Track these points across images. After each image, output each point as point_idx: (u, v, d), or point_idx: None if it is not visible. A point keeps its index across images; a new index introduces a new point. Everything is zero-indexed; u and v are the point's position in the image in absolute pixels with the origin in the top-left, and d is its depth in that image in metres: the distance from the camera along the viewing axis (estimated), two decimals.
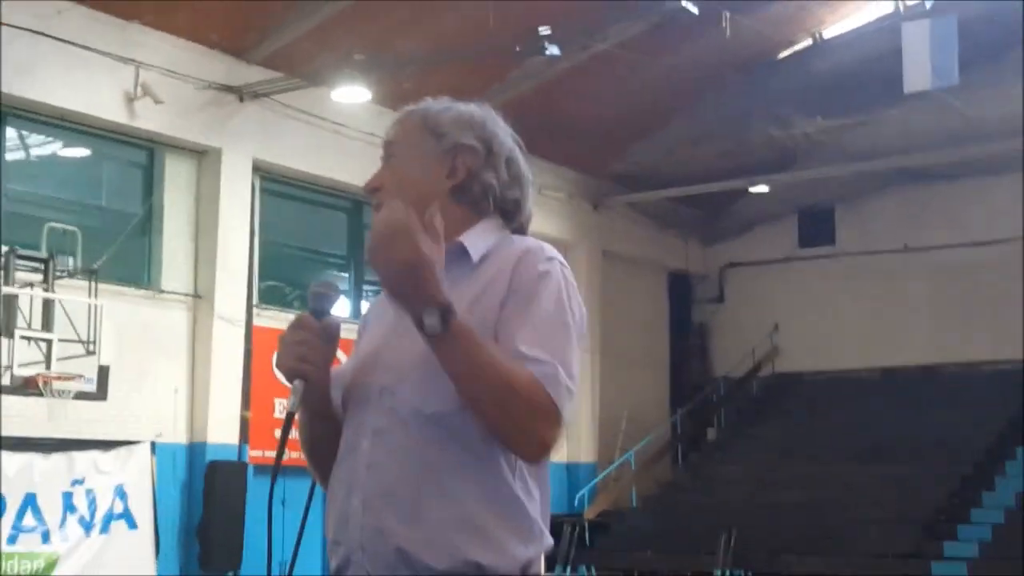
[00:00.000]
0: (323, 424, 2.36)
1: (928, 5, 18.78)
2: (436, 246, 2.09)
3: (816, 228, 26.46)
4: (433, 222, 2.12)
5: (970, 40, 18.18)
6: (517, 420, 2.16)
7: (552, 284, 2.26)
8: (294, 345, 2.24)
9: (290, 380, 2.22)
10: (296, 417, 2.28)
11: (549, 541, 2.27)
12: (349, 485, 2.26)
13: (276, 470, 2.27)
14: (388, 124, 2.52)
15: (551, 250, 2.34)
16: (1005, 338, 23.94)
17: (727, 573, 20.05)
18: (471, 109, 2.45)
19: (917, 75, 17.85)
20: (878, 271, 25.58)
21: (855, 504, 20.92)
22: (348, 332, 2.53)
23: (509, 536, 2.21)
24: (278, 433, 2.30)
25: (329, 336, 2.28)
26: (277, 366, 2.29)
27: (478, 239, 2.34)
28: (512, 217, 2.41)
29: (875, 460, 22.00)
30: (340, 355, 2.34)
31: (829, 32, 22.29)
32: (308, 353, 2.23)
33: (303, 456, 2.46)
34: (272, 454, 17.24)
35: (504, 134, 2.43)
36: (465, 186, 2.38)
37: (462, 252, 2.31)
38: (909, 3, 20.15)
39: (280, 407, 17.55)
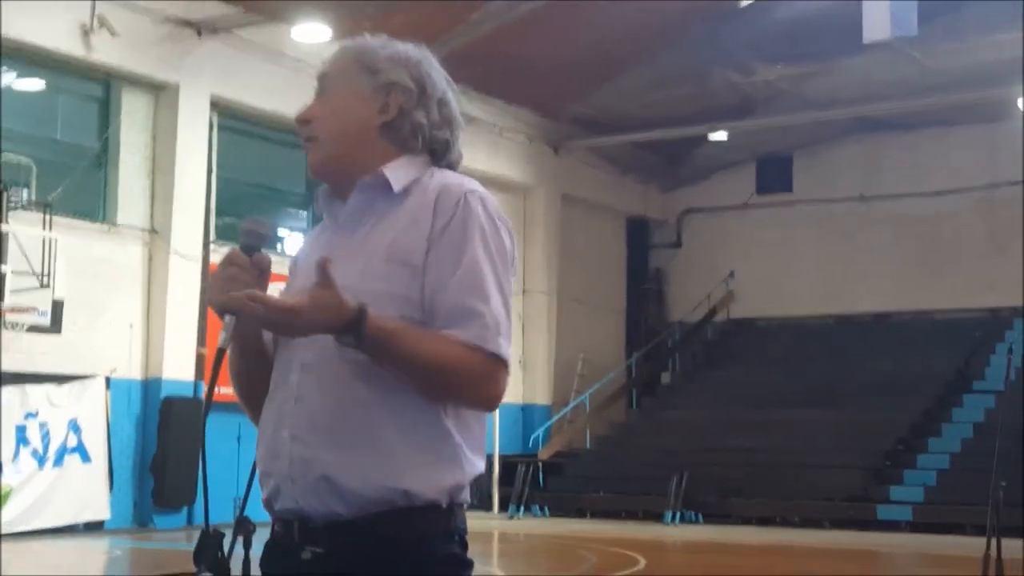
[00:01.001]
0: (255, 360, 2.36)
1: None
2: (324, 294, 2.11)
3: (774, 175, 26.55)
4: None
5: None
6: (459, 391, 2.21)
7: (474, 224, 2.23)
8: (225, 280, 2.22)
9: (221, 315, 2.20)
10: (222, 353, 2.24)
11: (478, 467, 2.29)
12: (278, 418, 2.27)
13: (208, 405, 2.30)
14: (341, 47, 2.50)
15: (470, 183, 2.31)
16: (960, 288, 24.22)
17: (677, 515, 20.24)
18: (407, 48, 2.43)
19: (877, 25, 17.88)
20: (835, 219, 25.75)
21: (805, 448, 21.16)
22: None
23: (435, 463, 2.23)
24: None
25: (260, 272, 2.27)
26: (208, 301, 2.29)
27: (400, 170, 2.33)
28: (441, 157, 2.40)
29: (826, 405, 22.19)
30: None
31: None
32: (237, 288, 2.19)
33: (234, 392, 2.46)
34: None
35: (438, 76, 2.43)
36: (395, 124, 2.36)
37: (384, 183, 2.32)
38: None
39: None
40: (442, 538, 2.24)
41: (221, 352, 2.22)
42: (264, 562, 2.31)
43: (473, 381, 2.19)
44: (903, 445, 21.47)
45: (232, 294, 2.13)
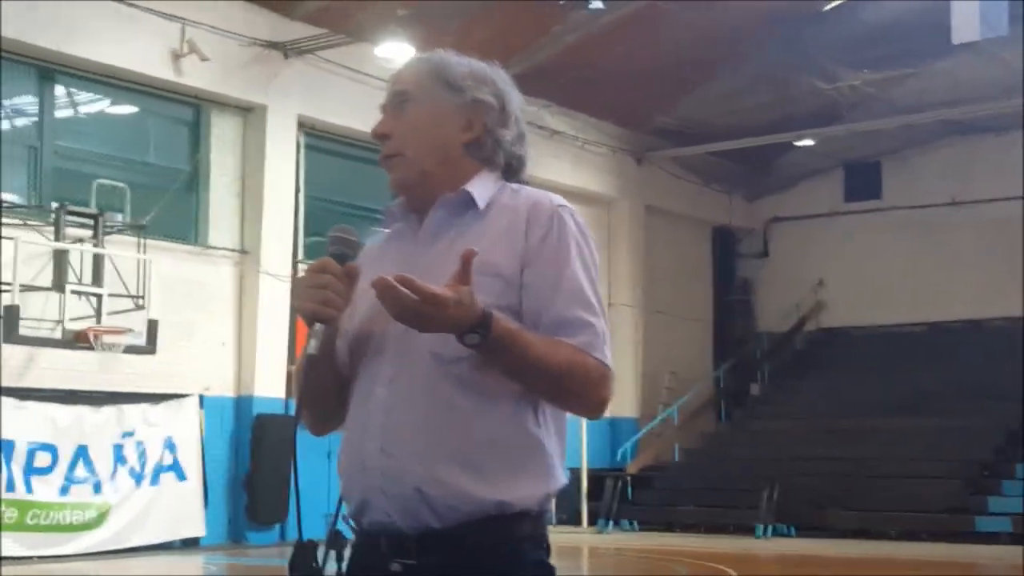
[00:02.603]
0: (328, 373, 2.33)
1: None
2: (437, 303, 2.05)
3: (862, 182, 26.30)
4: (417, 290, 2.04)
5: None
6: (572, 396, 2.22)
7: (571, 238, 2.26)
8: (316, 289, 2.21)
9: (310, 324, 2.20)
10: (313, 361, 2.24)
11: (564, 478, 2.30)
12: (363, 431, 2.26)
13: (297, 416, 2.30)
14: (405, 65, 2.49)
15: (557, 198, 2.31)
16: None
17: (769, 528, 20.08)
18: (484, 65, 2.45)
19: (966, 26, 17.65)
20: (925, 225, 25.41)
21: (899, 459, 20.90)
22: None
23: (527, 473, 2.24)
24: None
25: (351, 280, 2.25)
26: (297, 310, 2.25)
27: (482, 187, 2.34)
28: (516, 172, 2.42)
29: (919, 414, 21.92)
30: None
31: None
32: (330, 297, 2.20)
33: (301, 399, 2.41)
34: None
35: (514, 92, 2.45)
36: (479, 142, 2.38)
37: (468, 199, 2.33)
38: None
39: None
40: (531, 545, 2.26)
41: (312, 360, 2.22)
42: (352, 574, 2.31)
43: (589, 384, 2.21)
44: (1000, 454, 21.13)
45: (385, 279, 2.03)
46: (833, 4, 21.93)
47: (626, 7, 19.18)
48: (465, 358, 2.17)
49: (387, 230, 2.49)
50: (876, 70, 21.92)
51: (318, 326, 2.19)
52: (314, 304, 2.20)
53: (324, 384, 2.35)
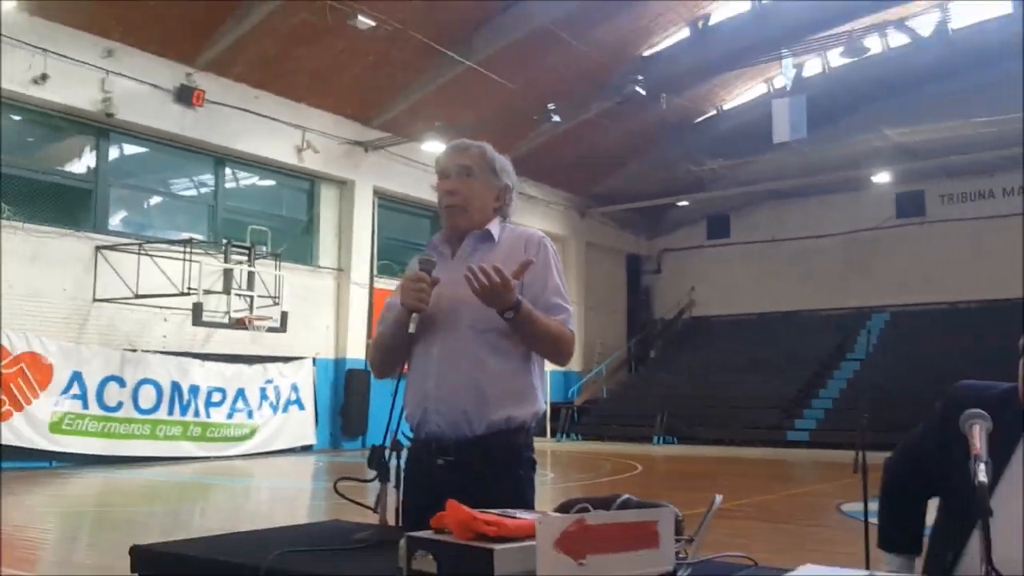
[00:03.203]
0: (403, 341, 2.29)
1: (788, 88, 18.64)
2: (507, 287, 2.13)
3: (718, 227, 26.35)
4: (503, 275, 2.14)
5: (815, 109, 18.08)
6: (559, 352, 2.29)
7: (551, 256, 2.35)
8: (417, 292, 2.22)
9: (410, 312, 2.21)
10: (412, 336, 2.24)
11: (544, 406, 2.37)
12: (424, 375, 2.27)
13: (401, 372, 2.31)
14: (460, 145, 2.46)
15: (540, 233, 2.43)
16: (837, 294, 23.94)
17: (661, 438, 20.11)
18: (505, 159, 2.49)
19: (781, 132, 17.77)
20: (756, 253, 25.49)
21: (740, 397, 21.00)
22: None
23: (526, 402, 2.29)
24: None
25: (433, 284, 2.26)
26: (403, 303, 2.24)
27: (496, 228, 2.40)
28: (507, 217, 2.46)
29: (754, 371, 22.00)
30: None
31: (727, 105, 22.18)
32: (425, 296, 2.22)
33: (378, 355, 2.40)
34: None
35: (514, 176, 2.50)
36: (501, 208, 2.43)
37: (489, 235, 2.37)
38: (776, 87, 20.00)
39: None
40: (526, 447, 2.30)
41: (411, 336, 2.22)
42: (408, 469, 2.32)
43: (566, 344, 2.29)
44: (801, 393, 21.22)
45: (482, 266, 2.10)
46: (702, 118, 22.06)
47: (574, 121, 19.25)
48: (493, 329, 2.24)
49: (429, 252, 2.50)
50: (727, 159, 22.01)
51: (415, 314, 2.20)
52: (414, 301, 2.22)
53: (397, 347, 2.35)
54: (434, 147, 17.62)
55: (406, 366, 2.39)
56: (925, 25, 19.63)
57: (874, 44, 19.33)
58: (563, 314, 2.29)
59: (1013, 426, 1.72)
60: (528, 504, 2.24)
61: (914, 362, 19.01)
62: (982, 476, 1.46)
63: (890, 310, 23.17)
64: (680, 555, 1.60)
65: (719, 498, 1.75)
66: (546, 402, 21.20)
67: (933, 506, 1.89)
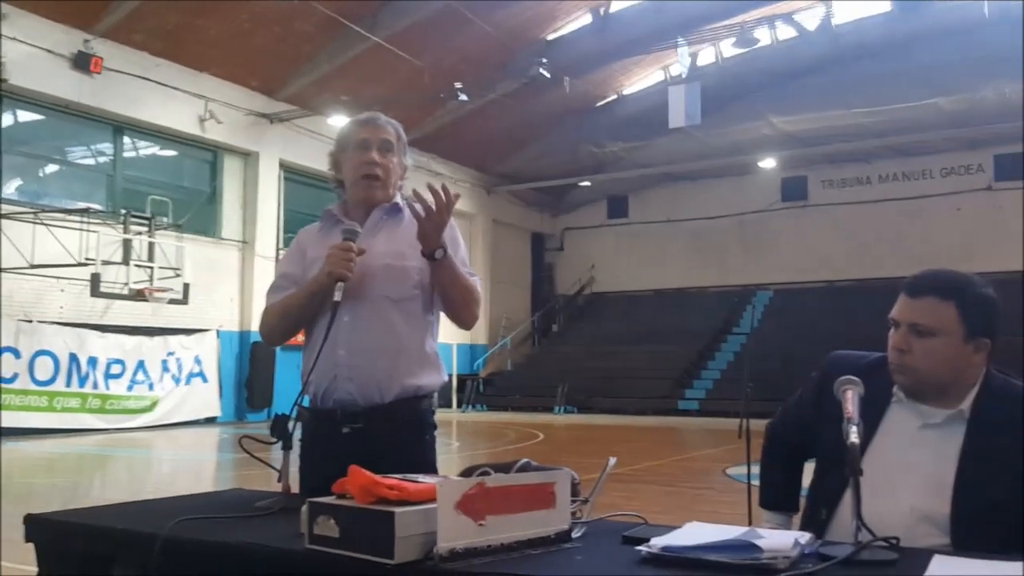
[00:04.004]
0: (317, 308, 2.24)
1: (683, 75, 18.99)
2: (448, 214, 2.15)
3: (618, 207, 26.75)
4: (448, 192, 2.14)
5: (709, 97, 18.48)
6: (472, 307, 2.28)
7: (457, 232, 2.31)
8: (345, 261, 2.15)
9: (336, 281, 2.13)
10: (300, 301, 2.21)
11: (446, 375, 2.37)
12: (334, 343, 2.17)
13: (323, 344, 2.16)
14: (379, 120, 2.39)
15: None
16: (725, 272, 24.66)
17: (562, 408, 20.41)
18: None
19: (676, 117, 18.10)
20: (652, 233, 25.99)
21: (635, 367, 21.46)
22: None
23: (433, 370, 2.28)
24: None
25: (358, 252, 2.19)
26: (330, 271, 2.15)
27: (400, 201, 2.37)
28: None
29: (648, 342, 22.51)
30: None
31: (627, 90, 22.47)
32: (352, 265, 2.16)
33: (279, 320, 2.30)
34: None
35: None
36: (402, 184, 2.40)
37: (398, 208, 2.34)
38: (672, 75, 20.37)
39: None
40: (430, 412, 2.29)
41: (336, 304, 2.13)
42: (310, 438, 2.26)
43: (477, 304, 2.29)
44: (692, 365, 21.83)
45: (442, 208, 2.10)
46: (603, 102, 22.29)
47: (481, 101, 19.16)
48: (404, 298, 2.21)
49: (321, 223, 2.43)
50: (626, 142, 22.31)
51: (340, 283, 2.14)
52: (342, 269, 2.15)
53: (306, 315, 2.27)
54: (340, 121, 17.24)
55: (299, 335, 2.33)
56: (811, 19, 20.32)
57: (764, 36, 19.89)
58: (474, 277, 2.30)
59: (882, 392, 1.81)
60: (433, 468, 2.23)
61: (794, 336, 19.81)
62: (854, 437, 1.52)
63: (773, 288, 24.04)
64: (576, 515, 1.62)
65: (612, 461, 1.78)
66: (451, 372, 21.01)
67: (810, 467, 1.97)
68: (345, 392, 2.20)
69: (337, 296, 2.13)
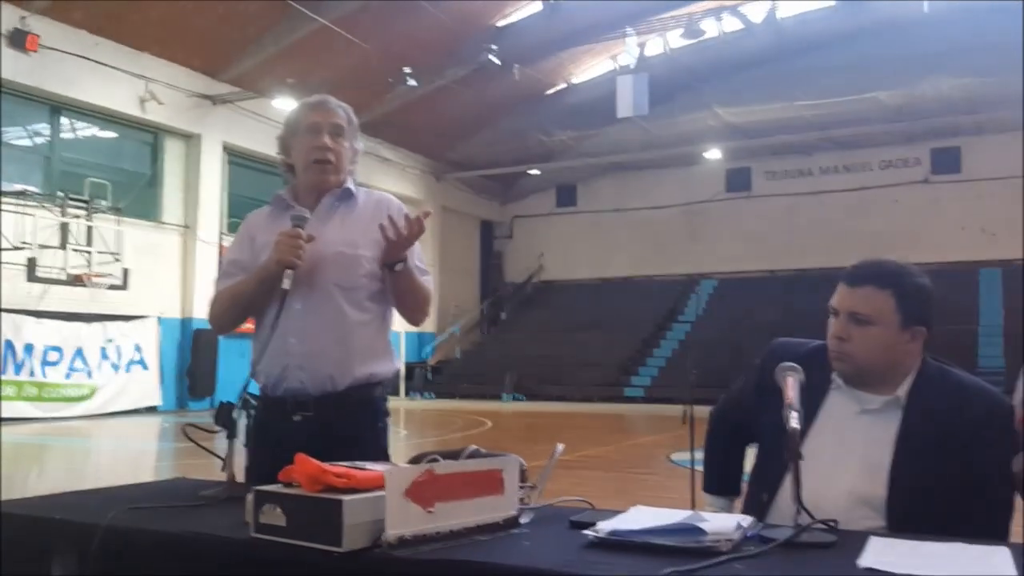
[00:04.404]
0: (265, 297, 2.20)
1: (632, 65, 19.12)
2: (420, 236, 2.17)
3: (566, 196, 26.86)
4: (422, 225, 2.15)
5: (656, 87, 18.66)
6: (424, 309, 2.29)
7: None
8: (294, 248, 2.11)
9: (284, 268, 2.10)
10: (249, 289, 2.17)
11: (399, 364, 2.38)
12: (285, 330, 2.14)
13: (271, 335, 2.13)
14: (330, 104, 2.34)
15: (397, 200, 2.38)
16: (672, 261, 24.96)
17: (510, 396, 20.48)
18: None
19: (624, 107, 18.24)
20: (601, 222, 26.17)
21: (582, 355, 21.63)
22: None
23: (385, 358, 2.27)
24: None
25: (307, 239, 2.15)
26: (279, 260, 2.11)
27: (352, 187, 2.33)
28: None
29: (595, 330, 22.69)
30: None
31: (576, 80, 22.53)
32: (300, 252, 2.12)
33: (228, 308, 2.27)
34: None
35: None
36: (353, 169, 2.37)
37: (350, 193, 2.31)
38: (621, 64, 20.49)
39: None
40: (382, 400, 2.28)
41: (284, 292, 2.09)
42: (259, 427, 2.22)
43: (428, 303, 2.29)
44: (637, 353, 22.08)
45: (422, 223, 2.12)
46: (552, 90, 22.32)
47: (430, 87, 19.04)
48: (355, 287, 2.19)
49: (270, 207, 2.39)
50: (575, 131, 22.40)
51: (288, 270, 2.10)
52: (291, 256, 2.11)
53: (256, 303, 2.23)
54: (286, 104, 17.01)
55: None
56: (756, 12, 20.60)
57: (710, 28, 20.11)
58: (426, 276, 2.28)
59: (822, 379, 1.85)
60: (385, 456, 2.22)
61: (738, 324, 20.17)
62: (794, 423, 1.56)
63: (717, 277, 24.42)
64: (524, 501, 1.63)
65: (560, 447, 1.79)
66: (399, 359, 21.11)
67: (752, 452, 2.01)
68: (296, 381, 2.18)
69: (286, 284, 2.10)
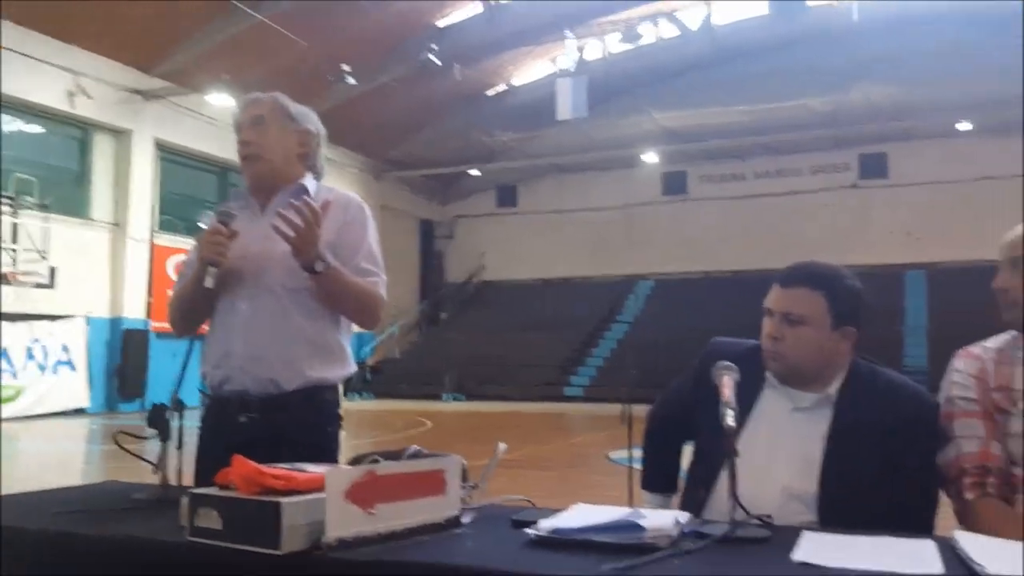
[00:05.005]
0: (204, 295, 2.19)
1: (571, 69, 19.26)
2: (319, 224, 2.03)
3: (507, 196, 26.95)
4: (313, 207, 2.03)
5: (596, 90, 18.83)
6: (365, 314, 2.20)
7: (369, 222, 2.26)
8: (215, 244, 2.09)
9: (208, 266, 2.08)
10: (209, 291, 2.12)
11: (354, 366, 2.30)
12: (229, 332, 2.15)
13: (216, 333, 2.14)
14: (252, 98, 2.31)
15: (356, 197, 2.33)
16: (611, 262, 25.22)
17: (450, 396, 20.43)
18: (307, 109, 2.39)
19: (564, 109, 18.38)
20: (541, 223, 26.29)
21: (522, 355, 21.71)
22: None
23: (336, 362, 2.22)
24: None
25: (232, 236, 2.13)
26: (201, 256, 2.10)
27: (309, 183, 2.29)
28: (320, 174, 2.38)
29: (535, 330, 22.80)
30: None
31: (516, 81, 22.59)
32: (223, 249, 2.09)
33: (178, 311, 2.25)
34: (164, 325, 16.45)
35: (320, 125, 2.41)
36: (307, 155, 2.31)
37: (302, 189, 2.26)
38: (561, 67, 20.61)
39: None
40: (333, 403, 2.23)
41: (208, 291, 2.09)
42: (206, 427, 2.20)
43: (375, 310, 2.20)
44: (576, 352, 22.25)
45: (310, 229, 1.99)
46: (493, 91, 22.34)
47: (370, 85, 18.88)
48: (303, 288, 2.13)
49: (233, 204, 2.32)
50: (515, 132, 22.48)
51: (211, 268, 2.06)
52: (213, 254, 2.08)
53: (197, 302, 2.20)
54: (221, 100, 16.74)
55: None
56: (692, 19, 20.92)
57: (648, 33, 20.37)
58: (373, 278, 2.20)
59: (756, 377, 1.90)
60: (334, 460, 2.19)
61: (675, 324, 20.48)
62: (730, 420, 1.59)
63: (655, 278, 24.77)
64: (466, 500, 1.63)
65: (503, 447, 1.80)
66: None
67: (689, 450, 2.04)
68: (239, 383, 2.15)
69: (208, 282, 2.07)
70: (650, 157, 23.44)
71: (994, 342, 1.87)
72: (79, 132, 16.21)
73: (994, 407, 1.79)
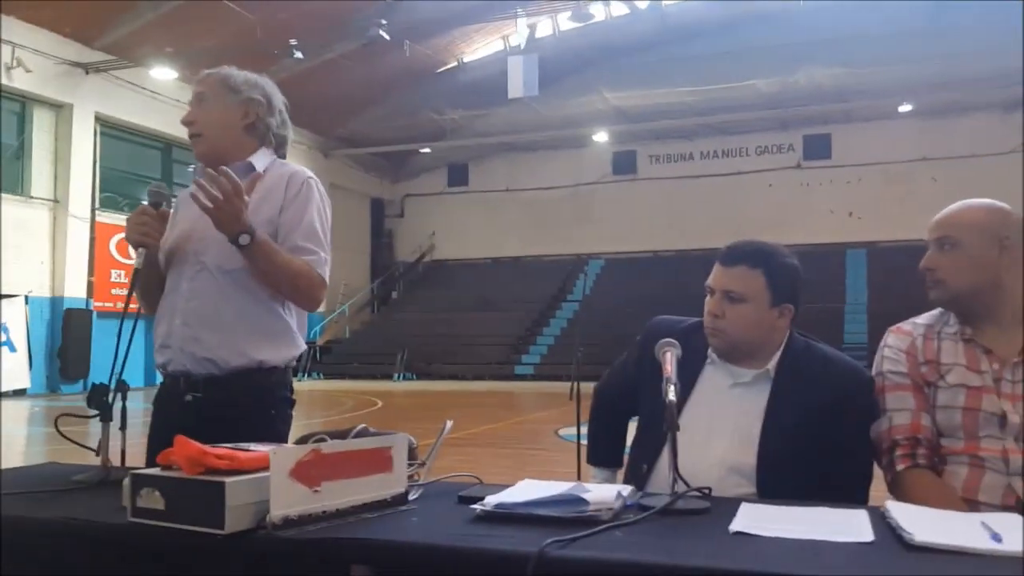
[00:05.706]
0: (154, 273, 2.19)
1: (522, 47, 19.19)
2: (240, 195, 1.96)
3: (458, 175, 26.84)
4: (231, 177, 1.95)
5: (546, 69, 18.79)
6: (300, 292, 2.13)
7: (313, 197, 2.19)
8: (138, 225, 2.08)
9: (135, 248, 2.07)
10: (138, 272, 2.10)
11: (303, 346, 2.26)
12: (172, 311, 2.14)
13: (126, 307, 2.09)
14: (199, 76, 2.26)
15: (308, 172, 2.25)
16: (560, 242, 25.32)
17: (401, 375, 20.38)
18: (256, 75, 2.32)
19: (515, 88, 18.32)
20: (492, 202, 26.26)
21: (473, 333, 21.74)
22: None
23: (280, 343, 2.17)
24: (114, 291, 2.16)
25: (162, 219, 2.12)
26: (126, 238, 2.11)
27: (260, 159, 2.23)
28: (281, 147, 2.33)
29: (486, 310, 22.84)
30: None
31: (468, 58, 22.43)
32: (147, 231, 2.07)
33: (137, 291, 2.21)
34: (106, 304, 16.11)
35: (278, 94, 2.34)
36: (255, 126, 2.24)
37: (251, 167, 2.21)
38: (512, 45, 20.53)
39: (114, 275, 16.41)
40: (279, 386, 2.19)
41: (136, 272, 2.08)
42: (157, 404, 2.17)
43: (312, 290, 2.13)
44: (527, 331, 22.35)
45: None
46: (443, 68, 22.14)
47: (318, 60, 18.56)
48: (239, 270, 2.08)
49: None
50: (466, 110, 22.35)
51: (140, 249, 2.05)
52: (137, 236, 2.07)
53: (151, 283, 2.19)
54: (164, 74, 16.34)
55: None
56: None
57: (598, 12, 20.39)
58: (311, 256, 2.13)
59: (698, 354, 1.93)
60: (283, 441, 2.17)
61: (623, 303, 20.68)
62: (672, 396, 1.62)
63: (604, 257, 24.96)
64: (413, 478, 1.64)
65: (449, 424, 1.80)
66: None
67: (634, 425, 2.08)
68: (180, 364, 2.13)
69: (137, 263, 2.07)
70: (600, 136, 23.53)
71: (924, 319, 1.94)
72: (17, 106, 15.70)
73: (923, 380, 1.85)
